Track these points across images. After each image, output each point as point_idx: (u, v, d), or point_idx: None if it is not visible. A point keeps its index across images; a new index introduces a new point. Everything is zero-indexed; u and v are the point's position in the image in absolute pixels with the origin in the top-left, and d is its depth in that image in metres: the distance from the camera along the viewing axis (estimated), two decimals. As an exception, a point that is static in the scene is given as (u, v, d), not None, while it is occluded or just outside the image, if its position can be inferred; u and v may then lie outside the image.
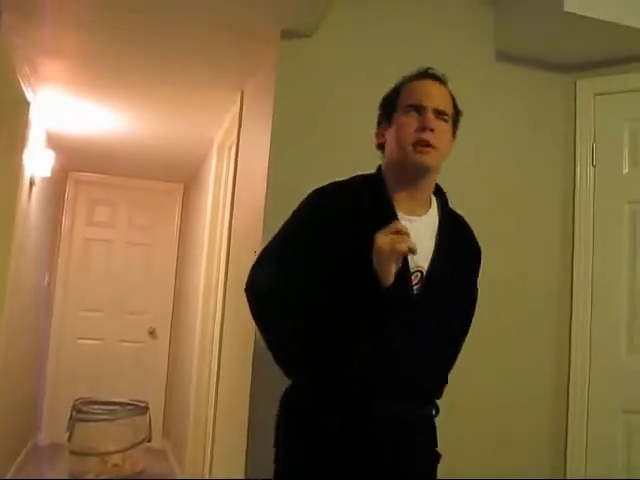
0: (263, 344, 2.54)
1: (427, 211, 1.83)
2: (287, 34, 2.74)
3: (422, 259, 1.74)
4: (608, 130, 2.98)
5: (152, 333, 6.57)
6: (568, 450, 2.84)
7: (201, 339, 4.42)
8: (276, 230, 2.64)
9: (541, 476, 2.83)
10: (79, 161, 6.10)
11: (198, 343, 4.46)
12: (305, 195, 2.54)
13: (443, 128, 1.77)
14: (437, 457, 1.83)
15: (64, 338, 6.38)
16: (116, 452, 4.80)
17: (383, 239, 1.63)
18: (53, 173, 5.08)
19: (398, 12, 2.89)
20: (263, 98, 3.01)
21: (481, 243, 2.85)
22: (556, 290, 2.96)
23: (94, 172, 6.51)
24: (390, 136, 1.82)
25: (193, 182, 6.26)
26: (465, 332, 1.95)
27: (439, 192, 1.92)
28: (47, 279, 5.96)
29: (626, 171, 2.94)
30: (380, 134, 1.88)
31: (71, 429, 4.93)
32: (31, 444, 5.76)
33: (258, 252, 1.94)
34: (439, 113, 1.76)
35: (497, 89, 2.99)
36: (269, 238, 2.60)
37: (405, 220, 1.73)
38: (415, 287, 1.73)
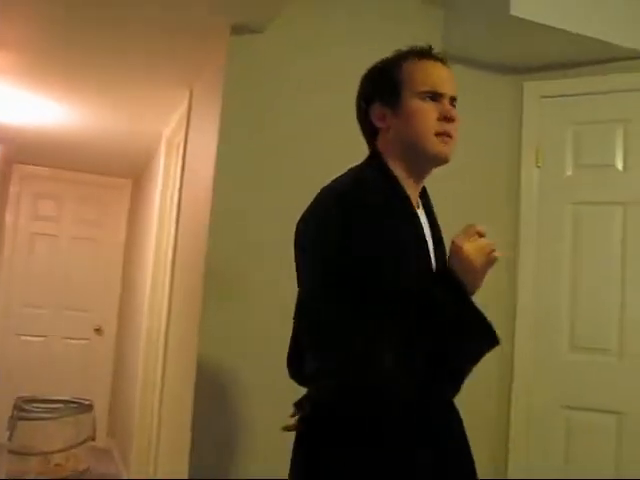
0: (208, 342, 2.54)
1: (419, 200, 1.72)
2: (237, 30, 2.72)
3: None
4: (553, 132, 3.04)
5: (98, 330, 6.46)
6: (510, 444, 2.91)
7: (147, 337, 4.37)
8: (224, 225, 2.62)
9: (483, 470, 2.87)
10: (24, 154, 5.96)
11: (144, 341, 4.41)
12: (252, 196, 2.53)
13: (457, 117, 1.61)
14: None
15: (6, 335, 6.23)
16: (59, 451, 4.70)
17: (469, 247, 1.51)
18: (-4, 166, 4.96)
19: (348, 11, 2.89)
20: (212, 95, 2.98)
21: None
22: (501, 289, 3.00)
23: (40, 165, 6.37)
24: (401, 122, 1.60)
25: (142, 178, 6.18)
26: None
27: None
28: (-11, 275, 5.81)
29: (569, 173, 3.01)
30: (379, 117, 1.64)
31: (12, 428, 4.81)
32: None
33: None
34: (452, 100, 1.61)
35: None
36: (215, 238, 2.62)
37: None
38: None
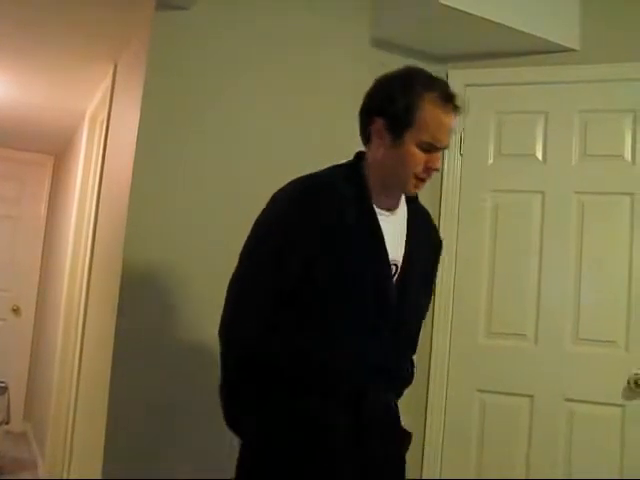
0: (125, 326, 2.49)
1: (399, 204, 1.80)
2: (162, 5, 2.64)
3: (396, 252, 1.74)
4: (476, 121, 3.08)
5: (16, 311, 6.27)
6: (427, 425, 2.98)
7: (66, 319, 4.26)
8: (144, 205, 2.57)
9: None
10: None
11: (63, 323, 4.30)
12: (173, 176, 2.47)
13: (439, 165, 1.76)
14: (409, 436, 1.84)
15: None
16: (-30, 435, 4.57)
17: None
18: None
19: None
20: (135, 71, 2.91)
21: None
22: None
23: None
24: (392, 154, 1.68)
25: (64, 154, 6.00)
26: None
27: None
28: None
29: (491, 161, 3.06)
30: (378, 133, 1.71)
31: None
32: None
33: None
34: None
35: (369, 74, 3.01)
36: (134, 218, 2.56)
37: (381, 215, 1.73)
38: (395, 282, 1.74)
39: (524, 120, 3.04)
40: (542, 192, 2.97)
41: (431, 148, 1.66)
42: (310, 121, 2.88)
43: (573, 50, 2.99)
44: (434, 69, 3.05)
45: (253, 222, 1.71)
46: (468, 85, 3.10)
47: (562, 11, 2.98)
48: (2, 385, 4.96)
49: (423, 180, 1.70)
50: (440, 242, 1.98)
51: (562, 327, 2.88)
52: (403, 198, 1.81)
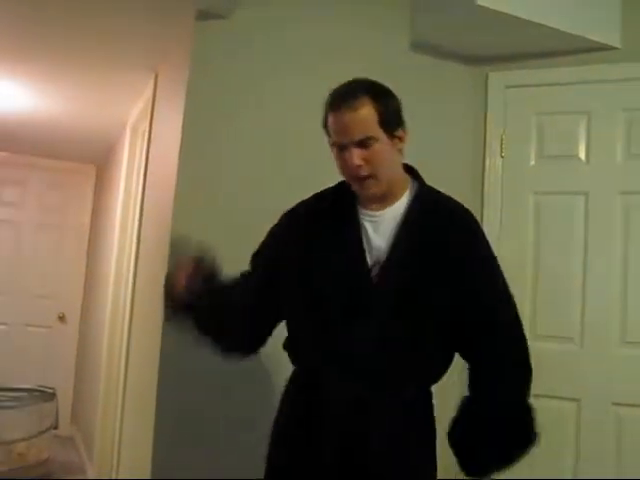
0: (172, 331, 2.52)
1: (394, 203, 1.81)
2: (202, 15, 2.69)
3: (383, 251, 1.76)
4: (517, 122, 3.06)
5: (61, 318, 6.39)
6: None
7: (111, 325, 4.33)
8: (188, 212, 2.62)
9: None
10: (-16, 139, 5.86)
11: (108, 329, 4.37)
12: (217, 183, 2.49)
13: (373, 154, 1.72)
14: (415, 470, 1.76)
15: (-34, 322, 6.14)
16: (21, 440, 4.65)
17: None
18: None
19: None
20: (177, 81, 2.95)
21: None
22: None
23: (2, 150, 6.26)
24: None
25: (106, 163, 6.10)
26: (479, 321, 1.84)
27: (415, 176, 1.91)
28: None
29: (532, 163, 3.03)
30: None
31: (-27, 417, 4.75)
32: None
33: None
34: (360, 142, 1.71)
35: (410, 79, 3.02)
36: (178, 226, 2.59)
37: (366, 216, 1.79)
38: (374, 277, 1.75)
39: (566, 120, 3.01)
40: (586, 193, 2.94)
41: (341, 147, 1.74)
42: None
43: (615, 48, 2.94)
44: (473, 72, 3.11)
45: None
46: (508, 87, 3.09)
47: (603, 9, 2.94)
48: (51, 391, 5.06)
49: (360, 179, 1.75)
50: (464, 239, 1.84)
51: (608, 329, 2.84)
52: (407, 193, 1.84)
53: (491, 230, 3.00)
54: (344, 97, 1.73)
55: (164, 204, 2.81)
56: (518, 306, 2.91)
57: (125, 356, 3.52)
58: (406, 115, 2.94)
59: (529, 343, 2.91)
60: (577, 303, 2.90)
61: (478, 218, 2.97)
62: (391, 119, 1.76)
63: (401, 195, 1.82)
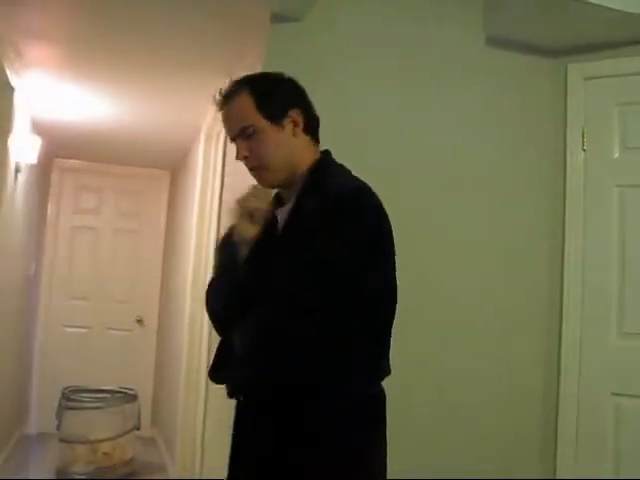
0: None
1: (291, 197, 1.70)
2: (277, 18, 2.71)
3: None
4: (598, 114, 2.97)
5: (140, 321, 6.54)
6: (559, 435, 2.87)
7: (190, 326, 4.40)
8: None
9: (531, 461, 2.86)
10: (64, 147, 6.04)
11: (187, 331, 4.44)
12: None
13: (254, 143, 1.67)
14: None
15: (51, 326, 6.35)
16: (106, 440, 4.78)
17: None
18: (38, 160, 5.02)
19: (388, -5, 2.87)
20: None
21: (469, 229, 2.87)
22: (546, 275, 2.96)
23: (79, 159, 6.45)
24: None
25: (180, 169, 6.21)
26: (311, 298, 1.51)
27: (316, 163, 1.72)
28: (33, 267, 5.91)
29: (616, 155, 2.94)
30: None
31: (60, 417, 4.90)
32: (19, 433, 5.73)
33: None
34: (241, 133, 1.68)
35: (487, 75, 2.98)
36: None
37: (277, 211, 1.71)
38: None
39: (649, 111, 2.92)
40: (671, 185, 2.84)
41: (233, 140, 1.72)
42: (425, 129, 2.88)
43: (700, 34, 2.84)
44: (552, 64, 3.04)
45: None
46: (588, 78, 3.00)
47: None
48: (132, 393, 5.18)
49: (251, 170, 1.71)
50: (328, 209, 1.55)
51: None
52: (306, 188, 1.66)
53: (574, 225, 2.94)
54: (226, 94, 1.71)
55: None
56: (604, 304, 2.86)
57: (206, 357, 3.57)
58: (483, 111, 2.93)
59: (617, 341, 2.85)
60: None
61: (560, 213, 2.95)
62: (273, 103, 1.68)
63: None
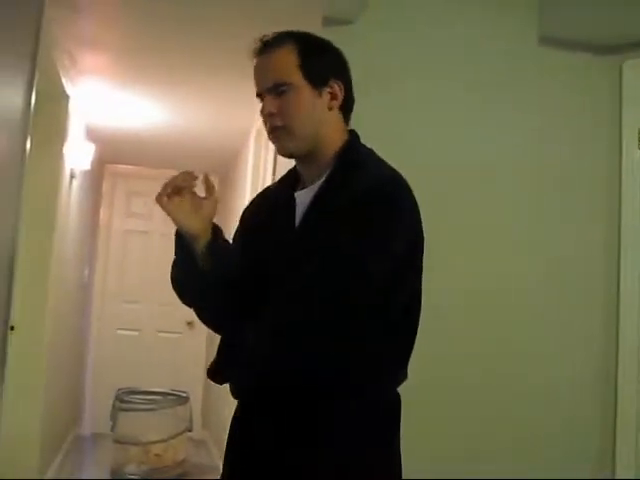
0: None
1: (312, 178, 1.57)
2: (328, 21, 2.71)
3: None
4: (657, 112, 2.91)
5: (190, 324, 6.60)
6: (618, 437, 2.82)
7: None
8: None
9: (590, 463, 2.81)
10: (115, 153, 6.15)
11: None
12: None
13: (285, 102, 1.52)
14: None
15: (104, 329, 6.46)
16: (158, 442, 4.84)
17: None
18: (91, 166, 5.12)
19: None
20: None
21: (524, 228, 2.85)
22: (602, 274, 2.91)
23: (130, 164, 6.56)
24: None
25: (229, 174, 6.27)
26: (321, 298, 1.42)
27: (347, 147, 1.61)
28: (87, 271, 6.02)
29: (675, 155, 2.88)
30: None
31: (114, 419, 4.99)
32: (74, 434, 5.84)
33: None
34: (275, 88, 1.53)
35: (540, 74, 2.94)
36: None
37: (297, 194, 1.58)
38: None
39: None
40: None
41: (261, 97, 1.56)
42: (480, 130, 2.87)
43: None
44: (606, 62, 2.98)
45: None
46: (643, 76, 2.95)
47: None
48: (184, 395, 5.24)
49: (272, 130, 1.55)
50: (358, 198, 1.45)
51: None
52: (329, 171, 1.54)
53: (630, 227, 2.89)
54: (268, 41, 1.57)
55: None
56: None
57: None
58: (538, 112, 2.90)
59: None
60: None
61: (615, 214, 2.89)
62: (319, 68, 1.56)
63: (328, 168, 1.55)
